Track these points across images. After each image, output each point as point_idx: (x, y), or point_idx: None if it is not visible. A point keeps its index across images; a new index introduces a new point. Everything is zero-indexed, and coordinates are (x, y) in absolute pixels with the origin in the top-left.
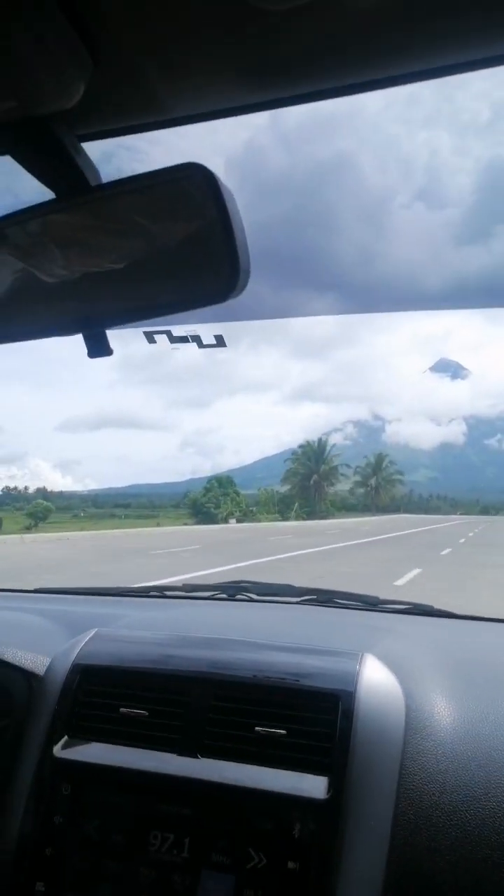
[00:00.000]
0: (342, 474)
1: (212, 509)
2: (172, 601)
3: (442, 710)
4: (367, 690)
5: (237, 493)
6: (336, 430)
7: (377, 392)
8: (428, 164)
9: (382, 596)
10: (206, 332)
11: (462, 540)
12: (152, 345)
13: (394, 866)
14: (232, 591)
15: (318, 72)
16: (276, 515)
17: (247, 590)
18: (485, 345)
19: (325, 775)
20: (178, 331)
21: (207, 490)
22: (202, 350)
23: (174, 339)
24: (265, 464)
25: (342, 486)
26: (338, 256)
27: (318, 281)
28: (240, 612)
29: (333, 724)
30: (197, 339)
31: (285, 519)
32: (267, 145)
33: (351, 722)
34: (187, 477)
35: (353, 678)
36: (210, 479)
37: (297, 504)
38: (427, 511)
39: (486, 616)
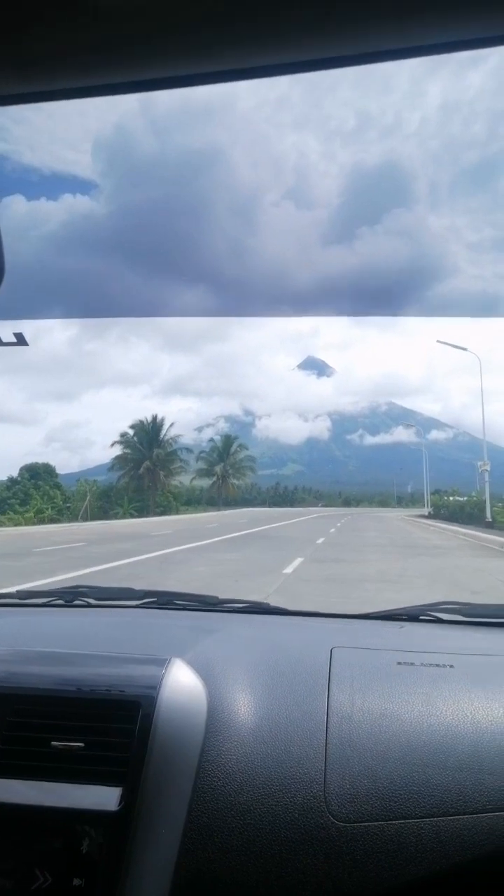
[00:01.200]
0: (182, 461)
1: (16, 506)
2: (4, 609)
3: (245, 710)
4: (169, 696)
5: (55, 487)
6: (208, 425)
7: (247, 388)
8: (297, 164)
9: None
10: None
11: (321, 540)
12: None
13: (183, 870)
14: (69, 596)
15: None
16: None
17: (85, 595)
18: (349, 344)
19: (119, 786)
20: None
21: (14, 483)
22: (68, 340)
23: None
24: None
25: (189, 476)
26: (210, 248)
27: (190, 272)
28: (75, 620)
29: (132, 733)
30: None
31: (108, 517)
32: (137, 129)
33: (150, 729)
34: None
35: (157, 684)
36: (22, 469)
37: (126, 498)
38: (293, 503)
39: (321, 611)
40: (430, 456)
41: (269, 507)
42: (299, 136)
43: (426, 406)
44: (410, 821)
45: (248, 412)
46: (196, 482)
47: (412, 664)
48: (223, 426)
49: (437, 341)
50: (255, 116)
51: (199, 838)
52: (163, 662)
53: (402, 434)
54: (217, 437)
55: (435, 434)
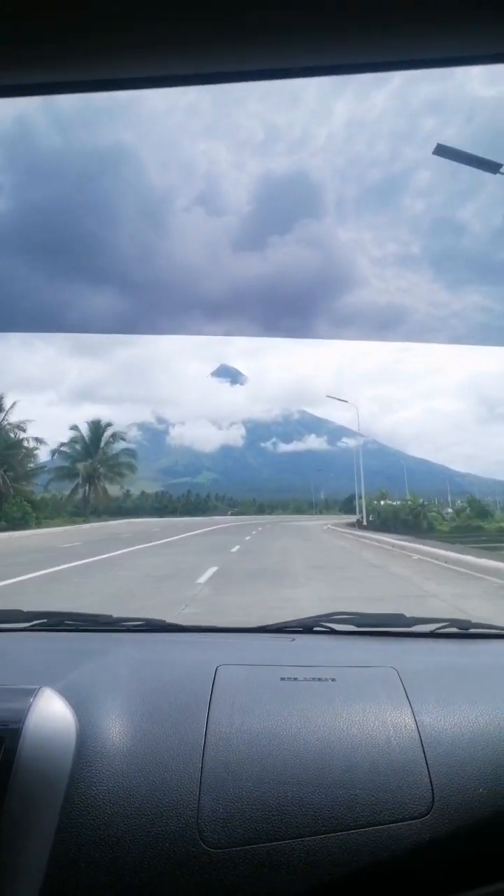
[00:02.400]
0: (33, 466)
1: None
2: None
3: (119, 738)
4: (35, 728)
5: None
6: (120, 433)
7: (160, 395)
8: (208, 171)
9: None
10: None
11: (203, 577)
12: None
13: None
14: None
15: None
16: None
17: None
18: (261, 351)
19: None
20: None
21: None
22: None
23: None
24: (45, 469)
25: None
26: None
27: (97, 270)
28: None
29: None
30: None
31: None
32: (39, 124)
33: (11, 765)
34: None
35: (22, 716)
36: None
37: None
38: (205, 512)
39: (217, 626)
40: (342, 462)
41: (163, 517)
42: (209, 145)
43: (336, 414)
44: (282, 842)
45: (161, 419)
46: (55, 485)
47: (295, 679)
48: (136, 434)
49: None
50: (164, 120)
51: (63, 875)
52: (31, 693)
53: (314, 442)
54: (83, 426)
55: (346, 441)
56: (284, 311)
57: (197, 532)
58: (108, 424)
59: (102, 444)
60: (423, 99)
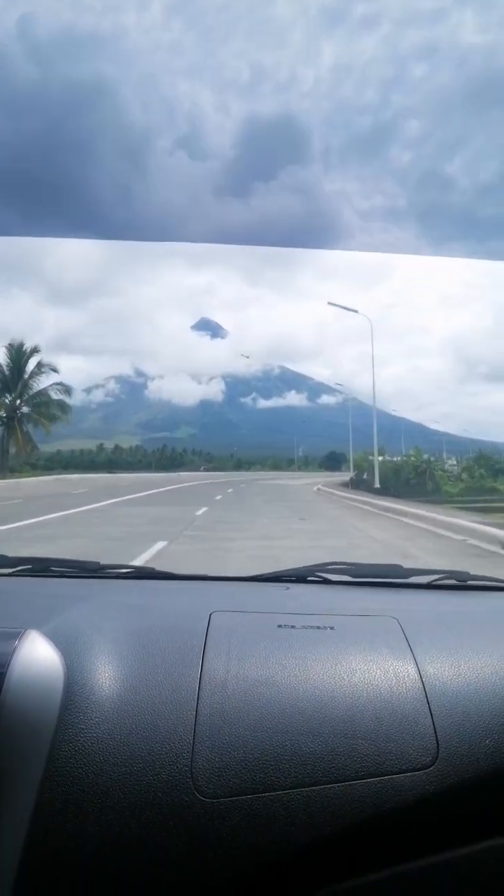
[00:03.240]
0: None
1: None
2: None
3: (110, 683)
4: (20, 672)
5: None
6: (97, 385)
7: (139, 346)
8: (190, 112)
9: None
10: None
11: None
12: None
13: (32, 858)
14: None
15: None
16: None
17: None
18: (242, 305)
19: None
20: None
21: None
22: None
23: None
24: None
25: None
26: (96, 189)
27: (74, 212)
28: None
29: None
30: None
31: None
32: (15, 53)
33: None
34: None
35: (6, 660)
36: None
37: None
38: (180, 467)
39: (208, 574)
40: (321, 420)
41: (135, 472)
42: (192, 85)
43: (317, 371)
44: (280, 792)
45: (139, 373)
46: None
47: (292, 627)
48: (114, 387)
49: (328, 303)
50: (146, 57)
51: (49, 825)
52: (16, 635)
53: (294, 398)
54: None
55: (325, 398)
56: (268, 262)
57: (143, 494)
58: (35, 350)
59: (26, 375)
60: (413, 44)
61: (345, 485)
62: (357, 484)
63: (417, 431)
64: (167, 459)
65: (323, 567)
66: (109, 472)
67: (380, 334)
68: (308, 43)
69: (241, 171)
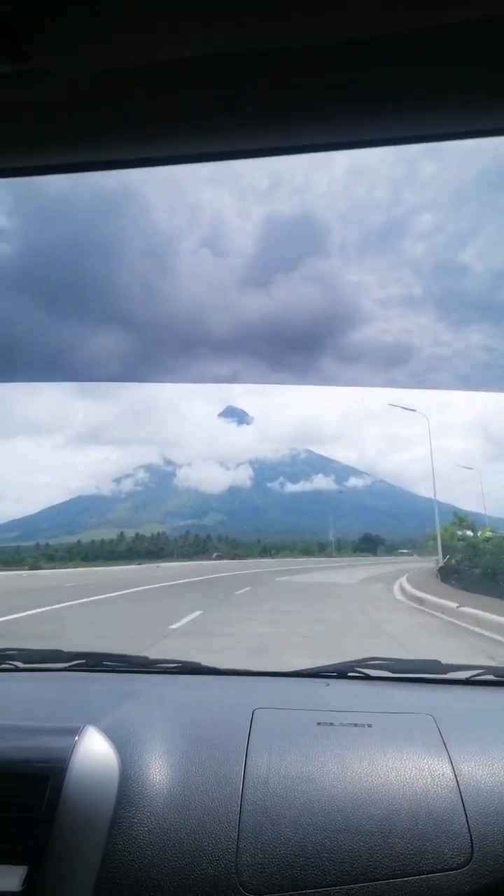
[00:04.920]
0: None
1: None
2: None
3: (160, 779)
4: (80, 766)
5: None
6: (126, 475)
7: (167, 436)
8: (213, 216)
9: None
10: None
11: None
12: None
13: None
14: None
15: (314, 122)
16: None
17: (12, 658)
18: (267, 391)
19: (23, 864)
20: None
21: None
22: None
23: None
24: (52, 513)
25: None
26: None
27: (100, 313)
28: (1, 686)
29: (39, 808)
30: None
31: None
32: None
33: (58, 803)
34: None
35: (67, 755)
36: None
37: None
38: (201, 554)
39: (252, 670)
40: (349, 503)
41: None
42: (214, 192)
43: (342, 454)
44: (320, 889)
45: (168, 461)
46: None
47: (331, 724)
48: (143, 476)
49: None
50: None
51: None
52: (75, 731)
53: (321, 482)
54: None
55: (353, 481)
56: (290, 349)
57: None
58: None
59: None
60: (421, 144)
61: (425, 577)
62: (448, 576)
63: (449, 512)
64: (190, 547)
65: (363, 662)
66: (105, 565)
67: (403, 415)
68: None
69: (263, 265)
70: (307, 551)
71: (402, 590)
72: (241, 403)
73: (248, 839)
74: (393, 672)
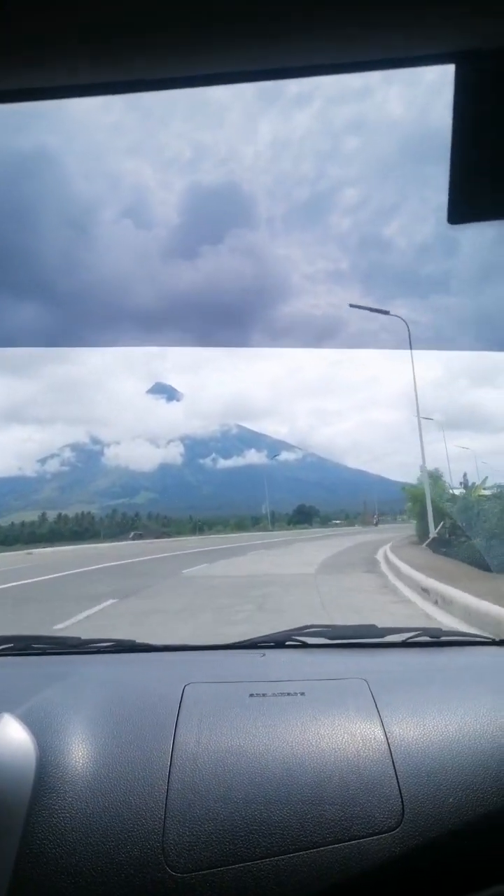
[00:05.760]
0: None
1: None
2: None
3: (83, 762)
4: None
5: None
6: (52, 455)
7: (94, 414)
8: (135, 185)
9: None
10: None
11: None
12: None
13: None
14: None
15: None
16: None
17: None
18: (197, 366)
19: None
20: None
21: None
22: None
23: None
24: None
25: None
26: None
27: (16, 283)
28: None
29: None
30: None
31: None
32: None
33: None
34: None
35: None
36: None
37: None
38: (117, 536)
39: (188, 644)
40: (281, 477)
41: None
42: (135, 163)
43: (273, 428)
44: (249, 863)
45: (95, 440)
46: None
47: (264, 695)
48: (69, 455)
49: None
50: (89, 132)
51: None
52: None
53: (253, 457)
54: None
55: (285, 455)
56: (220, 321)
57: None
58: None
59: None
60: (345, 119)
61: (411, 547)
62: (438, 547)
63: (377, 483)
64: (117, 526)
65: (300, 631)
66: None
67: (331, 389)
68: (245, 121)
69: (188, 236)
70: (241, 526)
71: (443, 598)
72: (171, 380)
73: (175, 817)
74: (330, 639)
